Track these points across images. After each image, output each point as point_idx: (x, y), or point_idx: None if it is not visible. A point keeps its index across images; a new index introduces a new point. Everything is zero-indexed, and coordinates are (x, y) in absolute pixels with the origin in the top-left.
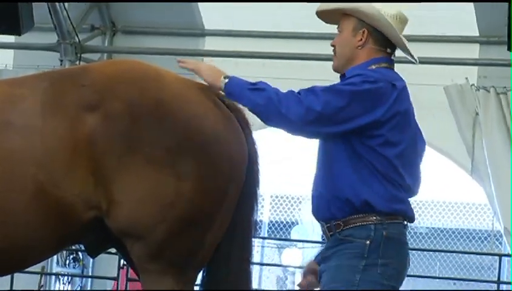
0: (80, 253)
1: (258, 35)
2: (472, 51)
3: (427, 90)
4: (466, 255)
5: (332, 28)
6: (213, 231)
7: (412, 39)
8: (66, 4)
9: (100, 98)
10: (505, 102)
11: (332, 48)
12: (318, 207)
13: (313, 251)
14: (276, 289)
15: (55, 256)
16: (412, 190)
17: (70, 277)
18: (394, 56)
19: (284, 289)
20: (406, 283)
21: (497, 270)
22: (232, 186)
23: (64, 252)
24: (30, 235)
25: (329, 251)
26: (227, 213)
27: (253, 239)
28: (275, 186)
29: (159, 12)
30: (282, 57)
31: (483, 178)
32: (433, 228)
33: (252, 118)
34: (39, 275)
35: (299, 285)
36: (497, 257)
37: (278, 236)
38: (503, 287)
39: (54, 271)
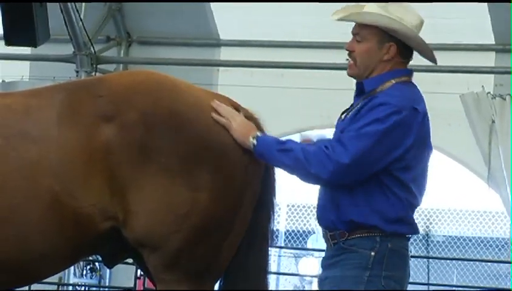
0: (97, 264)
1: (273, 45)
2: (488, 59)
3: (443, 98)
4: (483, 263)
5: (348, 37)
6: (229, 240)
7: (430, 47)
8: (82, 15)
9: (116, 109)
10: None
11: (348, 52)
12: (321, 216)
13: None
14: None
15: (72, 267)
16: (419, 204)
17: (87, 288)
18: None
19: None
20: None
21: None
22: (248, 195)
23: (81, 263)
24: (46, 246)
25: (332, 260)
26: (243, 222)
27: (269, 249)
28: (292, 195)
29: (175, 22)
30: (298, 67)
31: (500, 186)
32: (450, 236)
33: (268, 126)
34: (56, 286)
35: None
36: None
37: (294, 246)
38: None
39: (71, 282)
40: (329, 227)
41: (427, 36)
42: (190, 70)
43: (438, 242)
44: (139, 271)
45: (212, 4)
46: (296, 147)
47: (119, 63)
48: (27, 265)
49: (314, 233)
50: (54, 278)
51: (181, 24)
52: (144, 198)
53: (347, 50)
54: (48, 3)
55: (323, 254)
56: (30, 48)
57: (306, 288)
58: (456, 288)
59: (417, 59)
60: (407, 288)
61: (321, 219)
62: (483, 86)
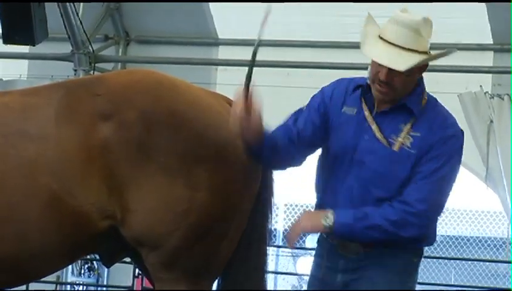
0: (95, 263)
1: (272, 44)
2: (487, 59)
3: (441, 97)
4: (481, 263)
5: (345, 37)
6: (227, 240)
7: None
8: (80, 14)
9: (114, 107)
10: None
11: (380, 80)
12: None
13: None
14: None
15: (70, 266)
16: None
17: (85, 287)
18: None
19: None
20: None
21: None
22: (246, 194)
23: (79, 261)
24: (44, 244)
25: (363, 262)
26: (242, 221)
27: (267, 248)
28: (289, 195)
29: (173, 21)
30: (297, 66)
31: (498, 186)
32: (448, 236)
33: (266, 126)
34: (54, 285)
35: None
36: None
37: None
38: None
39: (69, 280)
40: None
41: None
42: (188, 68)
43: (436, 241)
44: (137, 270)
45: (211, 3)
46: (380, 218)
47: (117, 62)
48: (25, 263)
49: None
50: (52, 277)
51: (180, 23)
52: (143, 197)
53: (384, 81)
54: (46, 2)
55: None
56: (28, 46)
57: (303, 288)
58: (454, 288)
59: None
60: None
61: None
62: (481, 86)
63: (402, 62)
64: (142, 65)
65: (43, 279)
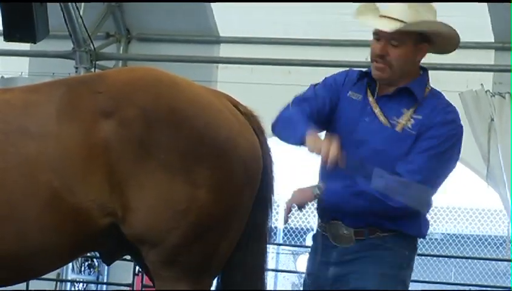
0: (95, 260)
1: (273, 42)
2: (488, 57)
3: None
4: (481, 261)
5: (346, 34)
6: (227, 237)
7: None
8: (81, 12)
9: (115, 105)
10: None
11: (376, 55)
12: (346, 213)
13: None
14: None
15: (70, 263)
16: None
17: (85, 284)
18: None
19: None
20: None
21: None
22: (247, 192)
23: (79, 259)
24: (45, 242)
25: (354, 255)
26: (242, 219)
27: (268, 246)
28: (290, 193)
29: (174, 19)
30: (297, 64)
31: (499, 184)
32: (448, 234)
33: (267, 124)
34: (55, 282)
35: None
36: None
37: (293, 243)
38: None
39: (69, 278)
40: (358, 224)
41: None
42: (189, 66)
43: (436, 239)
44: (137, 267)
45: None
46: (366, 186)
47: (118, 59)
48: (26, 261)
49: (312, 230)
50: (52, 274)
51: (181, 21)
52: (143, 194)
53: (379, 54)
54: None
55: None
56: (29, 44)
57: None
58: (454, 286)
59: None
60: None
61: (345, 217)
62: (482, 84)
63: (390, 26)
64: (143, 63)
65: (43, 277)
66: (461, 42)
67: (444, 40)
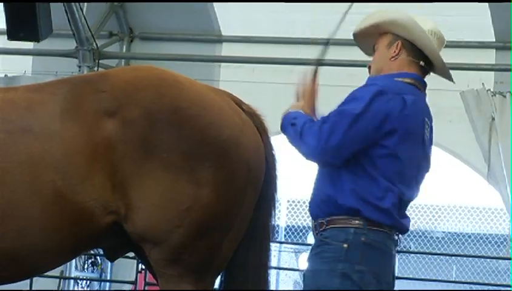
0: (98, 258)
1: (274, 41)
2: (489, 57)
3: (443, 95)
4: (482, 259)
5: (348, 34)
6: (230, 236)
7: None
8: (84, 11)
9: (118, 104)
10: None
11: (368, 69)
12: (310, 204)
13: None
14: None
15: (73, 261)
16: (408, 199)
17: (88, 282)
18: (429, 73)
19: None
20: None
21: None
22: (250, 191)
23: (82, 256)
24: (48, 239)
25: (311, 253)
26: (245, 218)
27: (270, 244)
28: (292, 191)
29: (177, 18)
30: (299, 63)
31: (499, 183)
32: (449, 232)
33: (268, 122)
34: (58, 279)
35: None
36: None
37: (294, 241)
38: None
39: (72, 275)
40: (313, 214)
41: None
42: (191, 65)
43: (437, 238)
44: (140, 265)
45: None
46: (301, 121)
47: (121, 58)
48: (29, 258)
49: None
50: (55, 271)
51: (183, 20)
52: (146, 193)
53: (368, 68)
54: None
55: None
56: (32, 43)
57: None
58: (455, 284)
59: None
60: (404, 284)
61: (309, 208)
62: (483, 83)
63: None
64: (145, 62)
65: (47, 274)
66: (462, 41)
67: (417, 35)
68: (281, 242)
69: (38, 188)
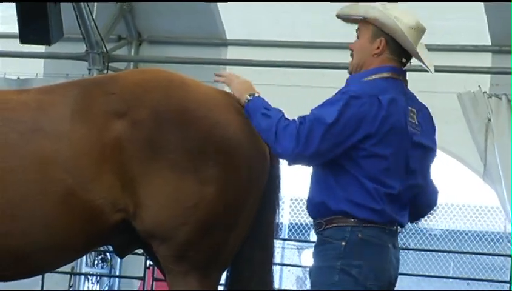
0: (108, 254)
1: (277, 44)
2: (485, 60)
3: (441, 97)
4: (479, 256)
5: (352, 38)
6: (235, 233)
7: (428, 48)
8: (94, 15)
9: (127, 105)
10: None
11: (350, 52)
12: (308, 205)
13: None
14: (296, 289)
15: (84, 257)
16: (399, 194)
17: (98, 277)
18: (410, 63)
19: (304, 289)
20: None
21: (508, 271)
22: (253, 189)
23: (93, 253)
24: (60, 236)
25: (315, 250)
26: (249, 215)
27: (274, 241)
28: (295, 189)
29: (183, 22)
30: (301, 66)
31: (495, 182)
32: (447, 230)
33: None
34: (69, 275)
35: None
36: (509, 258)
37: (297, 238)
38: None
39: (83, 271)
40: (311, 215)
41: (426, 37)
42: (197, 68)
43: (435, 235)
44: (148, 261)
45: (219, 5)
46: (277, 117)
47: (129, 61)
48: (42, 255)
49: None
50: (66, 268)
51: (189, 24)
52: (154, 192)
53: (350, 49)
54: (62, 4)
55: None
56: (44, 46)
57: (307, 279)
58: (453, 280)
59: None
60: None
61: (308, 210)
62: (479, 86)
63: (347, 9)
64: (153, 65)
65: (58, 270)
66: (459, 45)
67: (400, 37)
68: (284, 239)
69: (50, 186)
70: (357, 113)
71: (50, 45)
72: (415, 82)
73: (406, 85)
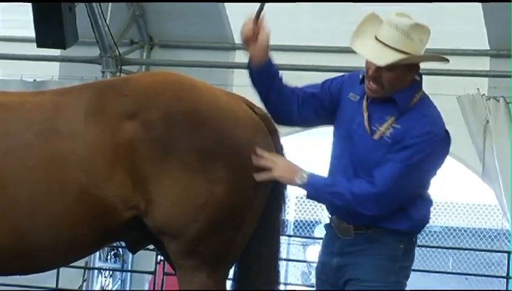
0: (120, 249)
1: (283, 49)
2: (484, 64)
3: (441, 99)
4: (477, 252)
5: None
6: (243, 230)
7: (429, 52)
8: (107, 20)
9: (139, 107)
10: None
11: (371, 77)
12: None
13: None
14: (300, 283)
15: (98, 252)
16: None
17: (111, 272)
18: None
19: (308, 283)
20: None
21: (506, 266)
22: (261, 188)
23: (106, 248)
24: (74, 232)
25: (353, 248)
26: (257, 213)
27: (281, 237)
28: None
29: (193, 27)
30: (307, 69)
31: (493, 181)
32: (446, 227)
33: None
34: (83, 269)
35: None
36: (506, 254)
37: (302, 234)
38: None
39: (96, 266)
40: (357, 222)
41: (428, 42)
42: (207, 71)
43: (435, 232)
44: (159, 256)
45: (228, 10)
46: (345, 188)
47: (141, 64)
48: (57, 250)
49: (321, 222)
50: (80, 262)
51: (199, 29)
52: (165, 190)
53: (371, 76)
54: (76, 9)
55: None
56: (59, 50)
57: (312, 274)
58: (452, 275)
59: None
60: None
61: (347, 215)
62: (478, 88)
63: (383, 58)
64: (164, 68)
65: (72, 265)
66: (459, 49)
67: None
68: (289, 236)
69: (66, 184)
70: (441, 152)
71: (65, 49)
72: None
73: None
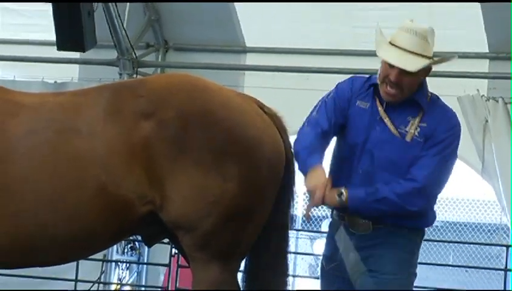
0: (136, 243)
1: (293, 51)
2: (483, 66)
3: (443, 100)
4: (477, 246)
5: (357, 46)
6: (253, 224)
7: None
8: (125, 24)
9: (155, 107)
10: None
11: (391, 82)
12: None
13: None
14: (308, 275)
15: (115, 246)
16: None
17: (128, 264)
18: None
19: (316, 275)
20: (423, 271)
21: (504, 259)
22: (271, 185)
23: (123, 242)
24: (93, 228)
25: (372, 241)
26: (267, 208)
27: (289, 231)
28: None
29: (206, 31)
30: (316, 71)
31: (492, 177)
32: (447, 221)
33: (288, 123)
34: (101, 262)
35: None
36: (504, 248)
37: (310, 229)
38: (511, 274)
39: (114, 258)
40: (375, 221)
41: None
42: (219, 73)
43: (437, 226)
44: (173, 249)
45: (239, 14)
46: (388, 192)
47: (157, 67)
48: (78, 243)
49: (327, 217)
50: (99, 255)
51: (212, 33)
52: (179, 186)
53: (393, 81)
54: (95, 14)
55: None
56: (79, 53)
57: (319, 266)
58: (453, 268)
59: None
60: None
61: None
62: (478, 89)
63: (412, 64)
64: (179, 70)
65: (91, 257)
66: (459, 52)
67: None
68: (297, 230)
69: (85, 181)
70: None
71: (84, 52)
72: None
73: None
